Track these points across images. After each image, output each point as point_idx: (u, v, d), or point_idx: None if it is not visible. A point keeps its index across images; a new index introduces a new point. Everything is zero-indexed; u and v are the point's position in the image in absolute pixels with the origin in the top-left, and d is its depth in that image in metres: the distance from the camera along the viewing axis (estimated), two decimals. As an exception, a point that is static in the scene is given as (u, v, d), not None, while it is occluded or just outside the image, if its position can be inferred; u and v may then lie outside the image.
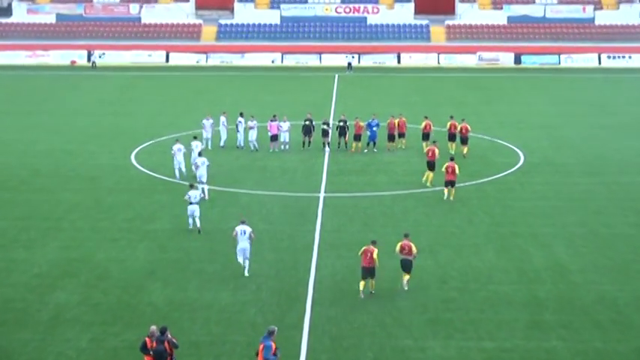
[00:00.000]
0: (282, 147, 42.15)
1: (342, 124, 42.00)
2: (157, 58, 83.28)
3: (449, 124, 41.59)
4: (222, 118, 42.43)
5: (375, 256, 23.01)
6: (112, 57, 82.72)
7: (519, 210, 31.74)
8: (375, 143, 41.70)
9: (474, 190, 34.43)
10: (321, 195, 33.81)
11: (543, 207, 32.16)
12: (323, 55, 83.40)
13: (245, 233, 24.75)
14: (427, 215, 30.62)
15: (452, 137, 41.19)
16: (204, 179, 33.21)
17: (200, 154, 34.70)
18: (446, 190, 32.86)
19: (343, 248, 26.98)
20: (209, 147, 42.31)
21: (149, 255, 26.44)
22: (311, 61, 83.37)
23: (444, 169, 33.23)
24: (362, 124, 41.61)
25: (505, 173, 37.69)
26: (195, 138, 38.42)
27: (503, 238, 28.30)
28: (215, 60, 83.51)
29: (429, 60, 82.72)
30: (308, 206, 32.07)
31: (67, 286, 23.81)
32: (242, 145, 42.00)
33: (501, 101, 60.32)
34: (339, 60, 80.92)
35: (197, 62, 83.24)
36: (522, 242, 27.82)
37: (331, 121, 46.77)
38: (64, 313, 21.95)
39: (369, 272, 23.08)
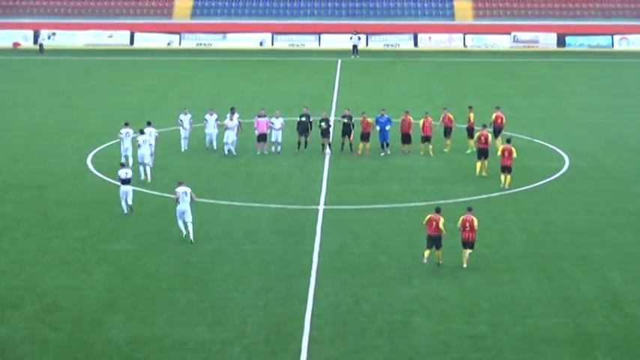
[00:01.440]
0: (273, 149, 42.16)
1: (346, 120, 42.01)
2: (119, 39, 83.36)
3: (471, 115, 41.83)
4: (212, 117, 42.11)
5: (441, 225, 26.90)
6: (63, 38, 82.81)
7: (564, 226, 31.71)
8: (387, 144, 41.60)
9: (509, 202, 34.38)
10: (321, 208, 33.78)
11: (593, 223, 32.14)
12: (323, 36, 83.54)
13: (187, 195, 29.43)
14: (451, 232, 30.38)
15: (470, 133, 41.72)
16: (147, 160, 36.52)
17: (142, 132, 37.11)
18: (503, 178, 35.47)
19: (347, 273, 26.94)
20: (185, 147, 42.22)
21: (108, 281, 26.38)
22: (308, 43, 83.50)
23: (499, 154, 35.84)
24: (370, 120, 41.63)
25: (546, 181, 37.67)
26: (149, 124, 39.08)
27: (544, 260, 28.26)
28: (190, 42, 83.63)
29: (452, 42, 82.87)
30: (304, 221, 32.03)
31: (9, 319, 23.74)
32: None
33: (541, 92, 60.36)
34: (343, 42, 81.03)
35: (168, 45, 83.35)
36: (568, 266, 27.78)
37: (332, 117, 46.76)
38: (5, 353, 21.87)
39: (434, 241, 27.02)
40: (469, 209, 27.81)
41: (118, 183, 32.74)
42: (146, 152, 36.58)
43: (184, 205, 29.46)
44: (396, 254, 28.53)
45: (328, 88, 61.03)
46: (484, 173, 37.51)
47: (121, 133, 38.10)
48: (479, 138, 37.90)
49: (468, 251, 27.31)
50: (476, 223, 27.24)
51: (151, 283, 26.19)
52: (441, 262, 27.36)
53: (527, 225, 31.77)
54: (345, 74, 67.90)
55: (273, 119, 41.96)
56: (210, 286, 25.93)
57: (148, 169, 36.85)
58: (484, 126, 39.50)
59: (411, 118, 41.92)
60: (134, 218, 32.09)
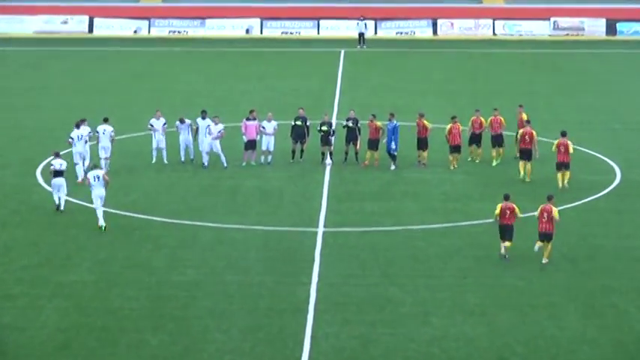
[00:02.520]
0: (262, 158, 42.17)
1: (350, 124, 42.03)
2: (75, 25, 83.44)
3: (490, 119, 41.96)
4: (184, 124, 41.99)
5: (517, 211, 30.28)
6: (7, 24, 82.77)
7: (615, 252, 31.73)
8: (394, 157, 41.45)
9: (548, 223, 34.42)
10: (320, 230, 33.79)
11: (651, 248, 32.21)
12: (322, 22, 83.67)
13: (99, 178, 32.99)
14: (478, 260, 30.57)
15: (497, 140, 41.94)
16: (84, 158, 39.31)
17: (77, 128, 39.21)
18: (560, 176, 38.19)
19: (352, 310, 26.92)
20: (164, 160, 42.07)
21: (62, 319, 26.35)
22: (305, 30, 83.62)
23: (554, 149, 38.48)
24: (379, 124, 41.62)
25: (593, 197, 37.68)
26: (105, 121, 40.42)
27: (590, 294, 28.25)
28: (162, 29, 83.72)
29: (479, 29, 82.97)
30: (300, 247, 32.04)
31: (-60, 366, 23.75)
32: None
33: (587, 90, 60.45)
34: (347, 29, 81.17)
35: (135, 32, 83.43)
36: (620, 300, 27.77)
37: (334, 121, 46.79)
38: None
39: (507, 231, 30.34)
40: (549, 198, 30.32)
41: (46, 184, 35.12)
42: (84, 150, 39.22)
43: (100, 190, 33.16)
44: (411, 286, 28.51)
45: (329, 85, 61.07)
46: (527, 179, 39.09)
47: (72, 138, 39.39)
48: (522, 137, 39.35)
49: (540, 244, 30.05)
50: (555, 214, 29.86)
51: (114, 322, 26.15)
52: (507, 255, 30.28)
53: (569, 250, 31.75)
54: (350, 68, 67.96)
55: (265, 123, 41.94)
56: (186, 325, 25.89)
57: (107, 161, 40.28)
58: (527, 122, 39.91)
59: (425, 122, 41.74)
60: (93, 243, 32.07)
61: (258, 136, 41.89)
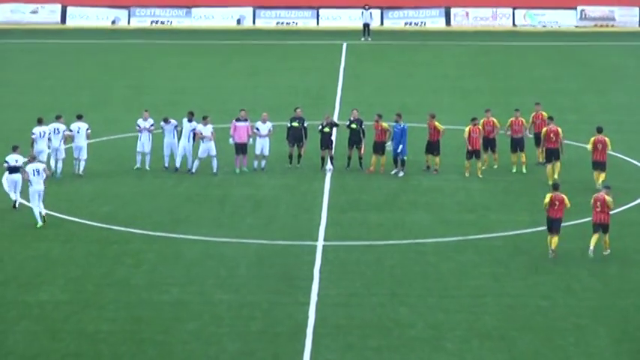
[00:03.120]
0: (257, 164, 42.16)
1: (354, 125, 42.03)
2: (46, 15, 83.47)
3: (510, 121, 42.05)
4: (169, 124, 42.03)
5: (567, 201, 31.58)
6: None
7: (650, 269, 31.77)
8: (403, 162, 41.45)
9: (574, 236, 34.32)
10: (319, 244, 33.77)
11: (690, 264, 32.20)
12: (322, 12, 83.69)
13: (39, 173, 34.53)
14: (496, 278, 30.54)
15: (519, 144, 41.79)
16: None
17: (39, 124, 40.56)
18: (596, 176, 39.16)
19: (355, 333, 26.89)
20: (146, 166, 42.00)
21: (31, 345, 26.30)
22: (302, 20, 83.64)
23: (590, 147, 39.27)
24: (386, 125, 41.63)
25: (625, 207, 37.65)
26: (79, 118, 41.29)
27: (623, 315, 28.22)
28: (142, 19, 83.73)
29: (498, 20, 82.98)
30: (297, 263, 32.01)
31: None
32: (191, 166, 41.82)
33: (618, 87, 60.41)
34: (349, 19, 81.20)
35: (113, 23, 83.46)
36: (655, 323, 27.78)
37: (336, 122, 46.79)
38: None
39: (555, 225, 31.61)
40: (605, 187, 32.40)
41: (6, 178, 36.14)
42: (43, 147, 40.03)
43: (39, 186, 34.55)
44: (422, 307, 28.48)
45: (330, 81, 61.09)
46: (556, 176, 39.27)
47: (33, 133, 40.31)
48: (547, 135, 39.76)
49: (596, 237, 31.58)
50: (610, 202, 31.55)
51: (89, 347, 26.11)
52: (554, 249, 31.67)
53: (599, 266, 31.71)
54: (353, 63, 67.97)
55: (259, 124, 41.88)
56: (169, 350, 25.86)
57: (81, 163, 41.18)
58: (550, 119, 40.04)
59: (437, 124, 41.71)
60: (65, 258, 32.01)
61: (251, 139, 41.84)
